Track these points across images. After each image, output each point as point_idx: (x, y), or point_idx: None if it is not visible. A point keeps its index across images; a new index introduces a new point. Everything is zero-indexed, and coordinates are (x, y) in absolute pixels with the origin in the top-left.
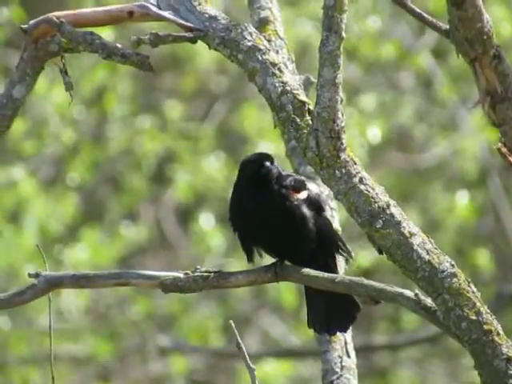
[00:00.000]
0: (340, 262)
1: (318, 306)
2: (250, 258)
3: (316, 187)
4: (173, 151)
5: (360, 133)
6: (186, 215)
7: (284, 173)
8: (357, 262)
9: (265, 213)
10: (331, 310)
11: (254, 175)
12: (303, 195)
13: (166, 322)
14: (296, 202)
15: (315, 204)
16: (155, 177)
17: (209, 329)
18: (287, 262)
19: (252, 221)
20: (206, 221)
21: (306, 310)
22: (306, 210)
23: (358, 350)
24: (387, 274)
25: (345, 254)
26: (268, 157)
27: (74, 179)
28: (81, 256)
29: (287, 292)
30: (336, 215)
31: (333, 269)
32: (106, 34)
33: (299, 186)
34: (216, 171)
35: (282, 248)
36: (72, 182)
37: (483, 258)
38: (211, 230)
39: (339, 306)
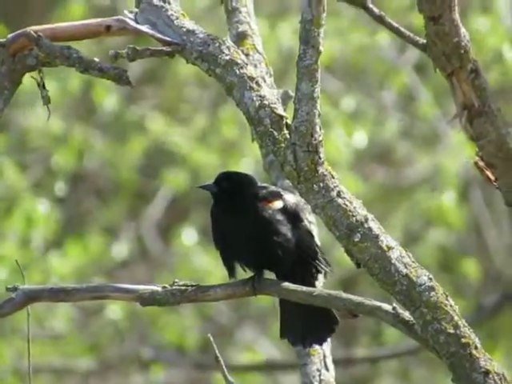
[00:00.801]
0: (319, 274)
1: (293, 318)
2: (232, 274)
3: (293, 197)
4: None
5: (346, 133)
6: (167, 230)
7: (259, 185)
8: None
9: (238, 226)
10: (307, 323)
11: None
12: (278, 205)
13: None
14: (270, 211)
15: (292, 214)
16: (137, 191)
17: (187, 338)
18: (266, 275)
19: (228, 235)
20: (189, 236)
21: (279, 320)
22: (280, 220)
23: (338, 363)
24: (368, 287)
25: (323, 266)
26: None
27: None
28: (62, 269)
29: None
30: (315, 229)
31: (311, 281)
32: (87, 47)
33: (273, 197)
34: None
35: (259, 261)
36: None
37: (469, 267)
38: (193, 246)
39: (316, 318)
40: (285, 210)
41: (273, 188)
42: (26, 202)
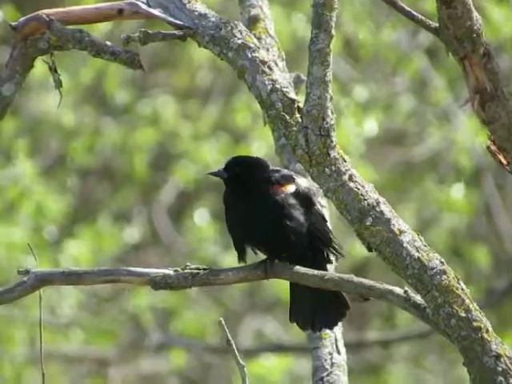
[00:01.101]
0: (330, 258)
1: (303, 302)
2: (242, 258)
3: (306, 181)
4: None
5: (356, 123)
6: (179, 214)
7: (272, 168)
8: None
9: (251, 210)
10: (318, 307)
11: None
12: (291, 189)
13: (164, 316)
14: (282, 195)
15: (305, 198)
16: (148, 181)
17: (205, 324)
18: (278, 260)
19: (241, 220)
20: (201, 217)
21: (290, 303)
22: (292, 204)
23: (350, 347)
24: (379, 272)
25: (335, 252)
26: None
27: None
28: (76, 253)
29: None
30: (326, 212)
31: (323, 265)
32: (99, 31)
33: (286, 181)
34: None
35: (272, 245)
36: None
37: (480, 253)
38: (206, 226)
39: (327, 302)
40: (297, 194)
41: (285, 171)
42: (38, 190)
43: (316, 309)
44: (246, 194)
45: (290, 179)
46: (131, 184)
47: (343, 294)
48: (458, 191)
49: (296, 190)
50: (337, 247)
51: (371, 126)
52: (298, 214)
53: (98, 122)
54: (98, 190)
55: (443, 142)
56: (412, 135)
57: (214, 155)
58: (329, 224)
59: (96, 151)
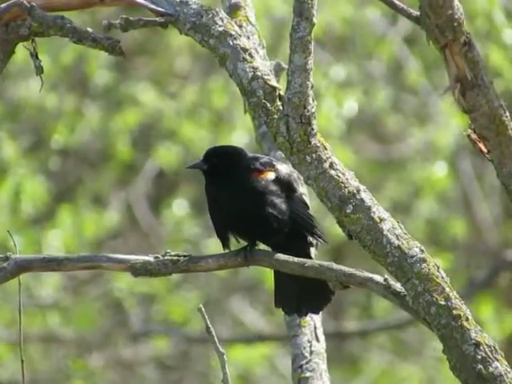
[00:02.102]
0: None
1: (288, 288)
2: (226, 245)
3: (286, 167)
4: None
5: (337, 104)
6: (157, 202)
7: (250, 155)
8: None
9: (231, 199)
10: (302, 292)
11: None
12: (271, 176)
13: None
14: (262, 183)
15: (286, 184)
16: (128, 163)
17: (186, 311)
18: (260, 246)
19: (222, 209)
20: (179, 207)
21: (274, 289)
22: (273, 191)
23: (328, 336)
24: (358, 257)
25: (317, 237)
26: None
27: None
28: (54, 240)
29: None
30: (307, 200)
31: (305, 253)
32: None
33: (266, 167)
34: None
35: (253, 232)
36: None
37: (457, 226)
38: (184, 216)
39: (311, 288)
40: (278, 181)
41: (264, 158)
42: (18, 173)
43: (301, 294)
44: (227, 183)
45: (270, 166)
46: (111, 167)
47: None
48: (440, 168)
49: (276, 176)
50: (319, 232)
51: (351, 106)
52: (280, 200)
53: (78, 104)
54: (77, 173)
55: (422, 140)
56: (390, 128)
57: (197, 133)
58: (310, 210)
59: (77, 132)
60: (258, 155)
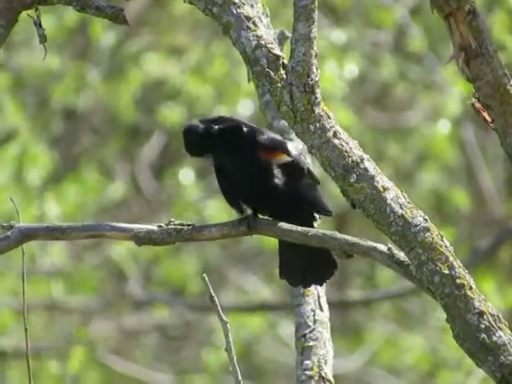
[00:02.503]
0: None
1: (293, 260)
2: (240, 210)
3: (294, 146)
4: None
5: (338, 66)
6: (162, 171)
7: (262, 130)
8: None
9: (239, 177)
10: (307, 263)
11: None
12: (281, 159)
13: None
14: (271, 164)
15: (295, 168)
16: (133, 128)
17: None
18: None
19: (230, 185)
20: (186, 176)
21: (279, 260)
22: (281, 174)
23: (332, 306)
24: (363, 229)
25: (324, 213)
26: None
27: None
28: (57, 209)
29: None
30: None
31: (309, 223)
32: None
33: (275, 146)
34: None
35: (260, 206)
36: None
37: (459, 196)
38: (190, 185)
39: (316, 259)
40: (288, 164)
41: (272, 134)
42: (22, 140)
43: (306, 265)
44: (233, 159)
45: (279, 146)
46: (117, 134)
47: (330, 252)
48: (444, 127)
49: (287, 159)
50: (325, 210)
51: (352, 68)
52: (287, 184)
53: (81, 68)
54: (82, 141)
55: (427, 104)
56: (395, 96)
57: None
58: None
59: (81, 98)
60: (270, 132)
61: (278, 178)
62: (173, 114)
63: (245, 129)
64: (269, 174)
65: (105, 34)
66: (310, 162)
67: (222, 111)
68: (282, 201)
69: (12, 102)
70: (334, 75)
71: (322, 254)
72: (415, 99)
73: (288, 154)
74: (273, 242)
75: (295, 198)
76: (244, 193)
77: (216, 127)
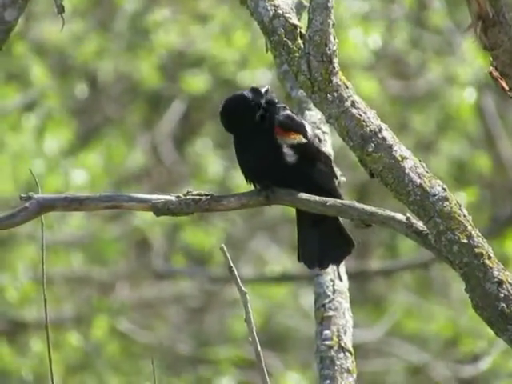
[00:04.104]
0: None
1: (311, 239)
2: (254, 185)
3: (311, 129)
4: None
5: (363, 33)
6: (182, 141)
7: (281, 107)
8: None
9: (256, 154)
10: (325, 243)
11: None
12: (297, 139)
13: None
14: (287, 145)
15: (311, 151)
16: (153, 99)
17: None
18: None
19: (247, 159)
20: (203, 146)
21: (297, 244)
22: (291, 155)
23: (351, 276)
24: (383, 199)
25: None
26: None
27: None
28: (78, 179)
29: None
30: (328, 139)
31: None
32: None
33: (293, 126)
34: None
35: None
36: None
37: (482, 160)
38: (208, 153)
39: (334, 238)
40: (301, 147)
41: (289, 113)
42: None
43: (323, 246)
44: (250, 137)
45: (296, 127)
46: (138, 101)
47: (347, 231)
48: (470, 95)
49: (302, 140)
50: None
51: (375, 39)
52: (299, 165)
53: (103, 36)
54: (104, 107)
55: (446, 73)
56: (413, 65)
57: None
58: (331, 152)
59: (103, 62)
60: (283, 105)
61: (290, 158)
62: (196, 81)
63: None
64: (280, 152)
65: (127, 2)
66: (327, 131)
67: (245, 77)
68: (293, 181)
69: (38, 68)
70: (357, 43)
71: (339, 232)
72: (432, 65)
73: (304, 134)
74: (293, 212)
75: (306, 181)
76: (258, 169)
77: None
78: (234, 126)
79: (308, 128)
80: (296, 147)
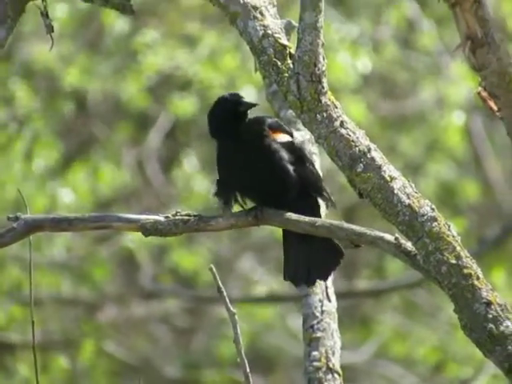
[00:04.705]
0: (321, 205)
1: (296, 256)
2: (227, 203)
3: (299, 134)
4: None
5: (351, 56)
6: (169, 161)
7: (267, 116)
8: None
9: (244, 154)
10: (311, 259)
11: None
12: (285, 138)
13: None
14: (274, 143)
15: (298, 150)
16: (139, 119)
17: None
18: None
19: (234, 164)
20: (190, 164)
21: (284, 261)
22: (284, 153)
23: (340, 296)
24: (371, 220)
25: (326, 199)
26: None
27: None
28: (65, 199)
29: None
30: (317, 159)
31: (315, 212)
32: None
33: (280, 128)
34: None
35: (265, 192)
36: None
37: (469, 187)
38: (195, 173)
39: (320, 253)
40: (292, 145)
41: (275, 120)
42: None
43: (310, 261)
44: (241, 136)
45: (283, 128)
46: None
47: (335, 242)
48: (458, 117)
49: (291, 140)
50: (327, 195)
51: (364, 62)
52: (289, 163)
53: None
54: (91, 130)
55: (435, 95)
56: (402, 86)
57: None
58: (320, 172)
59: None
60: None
61: (282, 154)
62: (183, 104)
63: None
64: (276, 152)
65: (116, 23)
66: (316, 152)
67: None
68: (289, 184)
69: (24, 90)
70: (346, 67)
71: (327, 244)
72: (421, 86)
73: (291, 135)
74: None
75: (301, 181)
76: (248, 178)
77: (248, 101)
78: (222, 126)
79: (295, 133)
80: (286, 145)
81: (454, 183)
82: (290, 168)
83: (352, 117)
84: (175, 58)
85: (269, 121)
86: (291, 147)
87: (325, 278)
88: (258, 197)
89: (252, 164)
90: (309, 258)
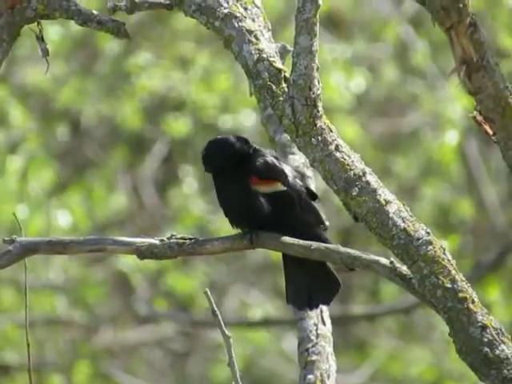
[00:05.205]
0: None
1: (297, 279)
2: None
3: (290, 172)
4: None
5: (345, 77)
6: (165, 185)
7: (254, 147)
8: None
9: (232, 201)
10: (313, 284)
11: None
12: (275, 187)
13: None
14: (264, 195)
15: (287, 198)
16: (135, 143)
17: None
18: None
19: (225, 203)
20: (187, 185)
21: (285, 286)
22: (264, 205)
23: (335, 320)
24: (367, 243)
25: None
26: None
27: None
28: (61, 222)
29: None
30: (312, 183)
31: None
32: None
33: (270, 174)
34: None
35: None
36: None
37: (464, 206)
38: (192, 195)
39: (321, 279)
40: (283, 193)
41: (269, 158)
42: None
43: (311, 286)
44: (227, 182)
45: (275, 174)
46: (119, 145)
47: (333, 270)
48: (452, 138)
49: (280, 188)
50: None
51: (359, 82)
52: (276, 215)
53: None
54: (87, 154)
55: (429, 115)
56: (397, 106)
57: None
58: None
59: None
60: (261, 150)
61: (263, 207)
62: (178, 124)
63: (240, 156)
64: (253, 200)
65: (109, 46)
66: (311, 176)
67: (226, 121)
68: (271, 228)
69: (19, 111)
70: (340, 88)
71: (326, 271)
72: (416, 111)
73: (283, 182)
74: (276, 256)
75: (284, 228)
76: (235, 213)
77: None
78: (213, 167)
79: (289, 174)
80: (271, 196)
81: (449, 205)
82: (260, 215)
83: (346, 137)
84: (169, 79)
85: (257, 165)
86: (277, 197)
87: (327, 303)
88: (241, 224)
89: (231, 202)
90: (310, 284)
